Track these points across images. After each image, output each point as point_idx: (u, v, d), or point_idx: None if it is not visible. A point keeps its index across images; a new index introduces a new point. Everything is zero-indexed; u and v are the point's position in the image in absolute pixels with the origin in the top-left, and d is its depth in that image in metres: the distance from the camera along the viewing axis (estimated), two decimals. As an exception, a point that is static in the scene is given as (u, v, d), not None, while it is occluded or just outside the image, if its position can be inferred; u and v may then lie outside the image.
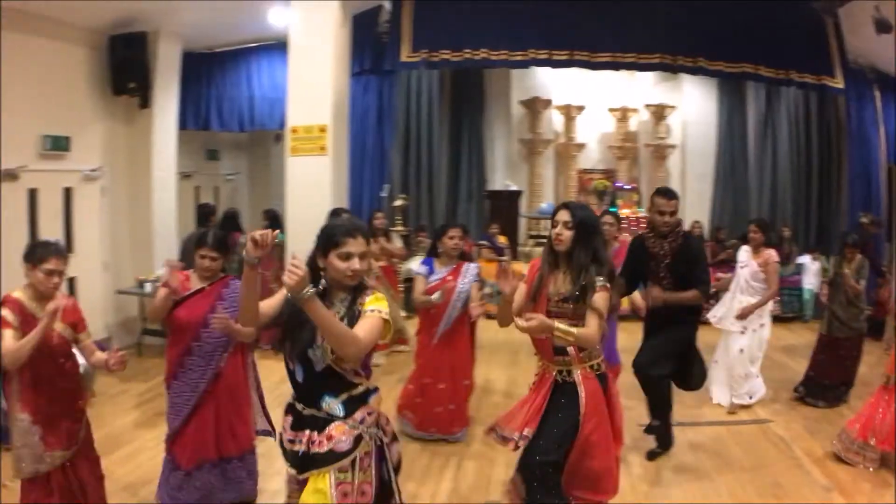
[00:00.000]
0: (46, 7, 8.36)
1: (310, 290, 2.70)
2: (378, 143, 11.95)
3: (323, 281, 3.08)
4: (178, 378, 4.56)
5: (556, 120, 14.39)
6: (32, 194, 8.63)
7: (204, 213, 8.97)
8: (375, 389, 3.23)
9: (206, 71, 11.45)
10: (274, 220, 9.65)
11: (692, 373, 6.00)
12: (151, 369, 8.56)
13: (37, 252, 4.12)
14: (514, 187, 13.93)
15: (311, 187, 8.54)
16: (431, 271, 6.50)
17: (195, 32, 10.32)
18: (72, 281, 9.07)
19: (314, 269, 3.07)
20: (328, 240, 3.04)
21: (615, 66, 9.59)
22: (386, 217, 8.72)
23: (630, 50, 9.12)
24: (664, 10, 8.82)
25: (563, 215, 4.01)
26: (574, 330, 3.77)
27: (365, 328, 2.91)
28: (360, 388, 3.14)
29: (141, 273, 9.63)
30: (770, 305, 7.52)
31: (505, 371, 8.96)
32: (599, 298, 3.89)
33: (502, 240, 12.41)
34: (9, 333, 3.96)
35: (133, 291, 9.60)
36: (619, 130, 14.25)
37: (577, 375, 4.03)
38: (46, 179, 8.80)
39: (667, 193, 5.69)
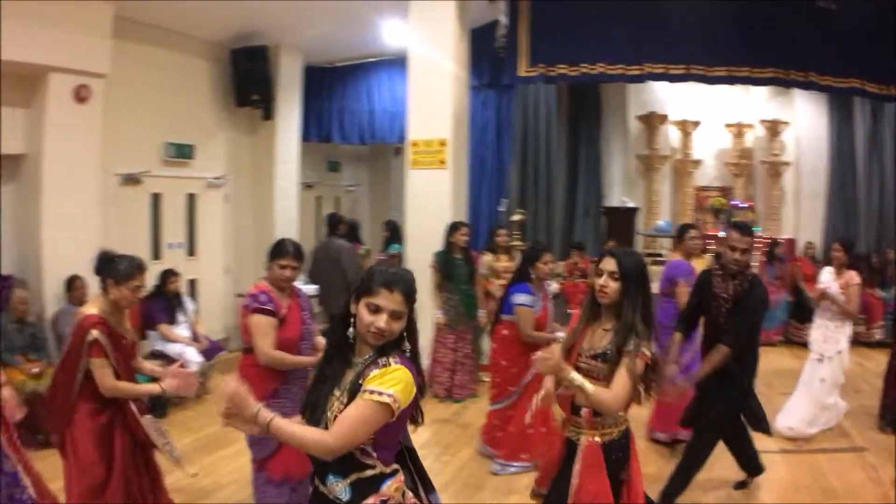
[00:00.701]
0: (173, 21, 8.64)
1: (261, 413, 2.34)
2: (497, 157, 11.65)
3: (352, 330, 2.55)
4: (279, 395, 4.23)
5: (672, 135, 13.77)
6: (156, 198, 8.89)
7: (333, 223, 8.92)
8: (393, 474, 2.58)
9: (328, 84, 11.47)
10: (394, 231, 9.55)
11: (758, 415, 5.25)
12: None
13: (123, 269, 4.00)
14: (630, 204, 13.36)
15: (431, 200, 8.32)
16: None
17: (316, 47, 10.37)
18: (193, 283, 9.30)
19: (346, 313, 2.57)
20: (363, 284, 2.52)
21: (730, 81, 9.01)
22: (508, 233, 8.31)
23: (744, 64, 8.58)
24: (776, 24, 8.27)
25: (609, 264, 3.42)
26: (589, 386, 3.21)
27: (346, 420, 2.38)
28: (372, 472, 2.51)
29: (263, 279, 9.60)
30: (848, 330, 6.72)
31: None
32: (635, 364, 3.27)
33: (619, 257, 11.84)
34: (104, 363, 3.93)
35: (254, 296, 9.58)
36: (735, 146, 13.47)
37: (582, 442, 3.45)
38: (170, 185, 9.04)
39: (742, 228, 4.83)
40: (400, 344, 2.57)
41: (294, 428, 2.40)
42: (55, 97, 7.10)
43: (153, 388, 4.08)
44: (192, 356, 7.46)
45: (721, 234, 5.61)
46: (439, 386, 7.73)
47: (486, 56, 9.95)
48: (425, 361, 7.91)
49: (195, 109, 9.42)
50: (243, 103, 9.85)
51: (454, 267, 7.51)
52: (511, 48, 9.00)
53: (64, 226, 7.07)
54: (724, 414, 4.96)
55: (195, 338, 7.84)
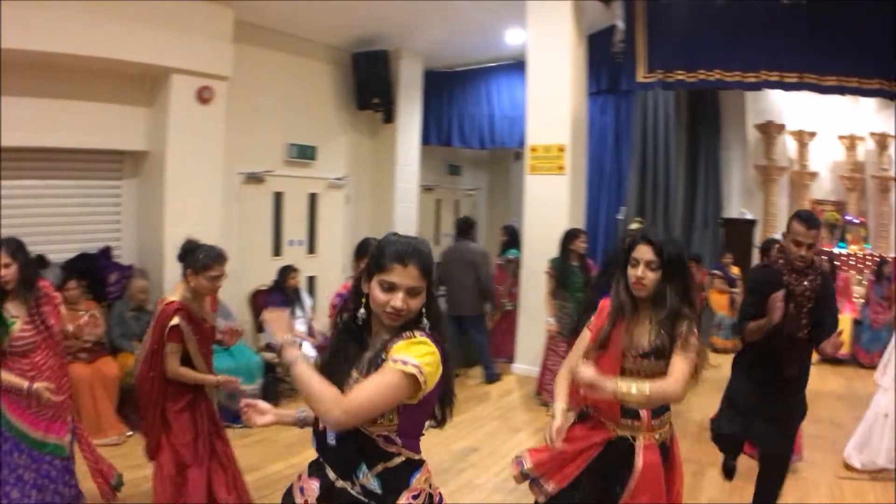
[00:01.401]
0: (294, 26, 8.59)
1: (290, 349, 2.08)
2: (616, 164, 11.11)
3: (363, 311, 2.23)
4: None
5: (789, 146, 12.78)
6: (278, 197, 8.89)
7: (464, 227, 8.63)
8: (420, 464, 2.27)
9: (448, 89, 11.21)
10: (512, 236, 9.17)
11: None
12: None
13: (201, 259, 4.02)
14: (749, 215, 12.40)
15: (549, 206, 7.96)
16: None
17: (435, 51, 10.13)
18: (312, 280, 9.23)
19: (357, 292, 2.27)
20: (374, 259, 2.18)
21: (841, 91, 8.23)
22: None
23: (853, 74, 7.84)
24: (883, 34, 7.50)
25: (645, 252, 2.92)
26: (647, 387, 2.70)
27: (367, 387, 2.03)
28: (398, 460, 2.19)
29: (381, 278, 9.43)
30: None
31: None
32: (690, 343, 2.85)
33: (735, 270, 11.02)
34: (174, 351, 4.02)
35: (369, 294, 9.36)
36: (848, 159, 12.28)
37: (640, 443, 3.01)
38: (292, 184, 9.00)
39: (808, 220, 4.08)
40: (419, 322, 2.19)
41: (315, 378, 2.03)
42: (178, 98, 7.16)
43: (209, 378, 4.19)
44: (308, 350, 7.24)
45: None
46: (548, 394, 7.27)
47: (604, 61, 9.48)
48: (535, 369, 7.75)
49: (317, 112, 9.35)
50: (364, 106, 9.69)
51: (570, 274, 7.04)
52: (629, 53, 8.55)
53: (186, 221, 7.01)
54: (795, 426, 4.39)
55: (311, 333, 7.70)
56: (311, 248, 9.38)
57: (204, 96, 7.30)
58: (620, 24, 8.51)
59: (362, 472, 2.14)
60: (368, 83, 9.50)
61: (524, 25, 8.32)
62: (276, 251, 8.87)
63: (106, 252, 7.12)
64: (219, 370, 5.94)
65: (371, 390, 2.00)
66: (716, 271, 10.94)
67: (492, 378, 8.27)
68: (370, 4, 8.04)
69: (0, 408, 3.76)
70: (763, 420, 4.16)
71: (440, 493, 2.33)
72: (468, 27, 9.18)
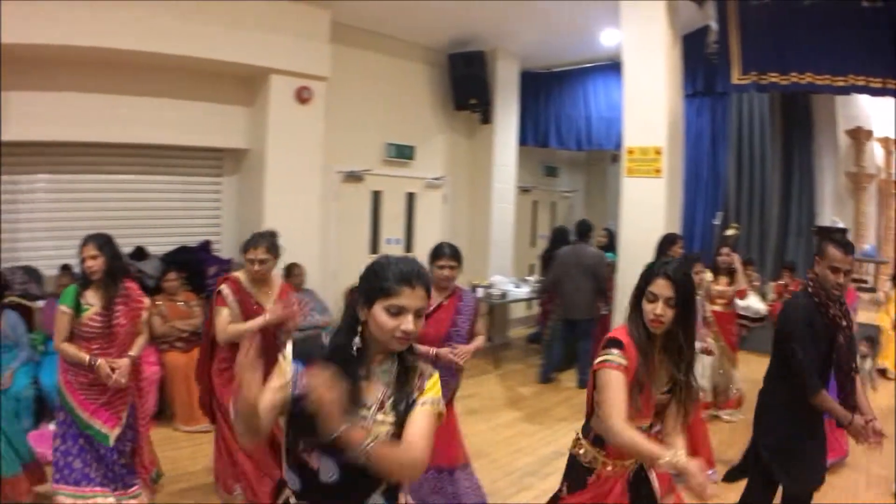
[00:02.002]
0: (390, 27, 8.45)
1: (359, 431, 1.88)
2: (712, 167, 10.46)
3: (357, 339, 2.04)
4: None
5: (877, 153, 11.85)
6: (376, 196, 8.75)
7: (583, 230, 8.28)
8: None
9: (545, 89, 10.80)
10: (611, 239, 8.75)
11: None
12: (471, 370, 7.93)
13: (248, 241, 4.28)
14: (840, 224, 11.38)
15: (645, 210, 7.48)
16: None
17: (531, 52, 9.77)
18: None
19: (352, 320, 2.07)
20: (375, 285, 2.01)
21: None
22: (728, 253, 7.22)
23: None
24: None
25: (665, 288, 2.66)
26: (684, 459, 2.46)
27: (422, 433, 2.00)
28: None
29: (474, 278, 9.17)
30: None
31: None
32: (693, 390, 2.77)
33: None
34: (225, 312, 4.17)
35: (466, 295, 9.07)
36: None
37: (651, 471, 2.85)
38: (390, 184, 8.84)
39: (845, 245, 3.55)
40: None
41: (391, 451, 1.93)
42: (277, 97, 7.15)
43: (256, 322, 4.13)
44: None
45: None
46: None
47: (700, 62, 8.95)
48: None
49: (415, 112, 9.17)
50: (461, 107, 9.43)
51: None
52: (723, 54, 8.04)
53: (284, 217, 6.96)
54: None
55: None
56: (409, 247, 9.17)
57: (303, 96, 7.27)
58: (714, 25, 8.01)
59: (373, 499, 2.07)
60: (465, 84, 9.24)
61: (618, 26, 7.92)
62: (374, 249, 8.72)
63: (205, 245, 7.20)
64: None
65: (427, 436, 2.00)
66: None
67: (585, 384, 7.79)
68: (465, 5, 7.80)
69: (60, 382, 4.04)
70: (809, 459, 3.68)
71: None
72: (563, 28, 8.77)
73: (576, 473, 2.89)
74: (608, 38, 8.82)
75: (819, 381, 3.48)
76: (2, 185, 6.24)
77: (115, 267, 4.04)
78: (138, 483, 4.21)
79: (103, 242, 4.00)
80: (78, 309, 3.95)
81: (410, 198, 9.17)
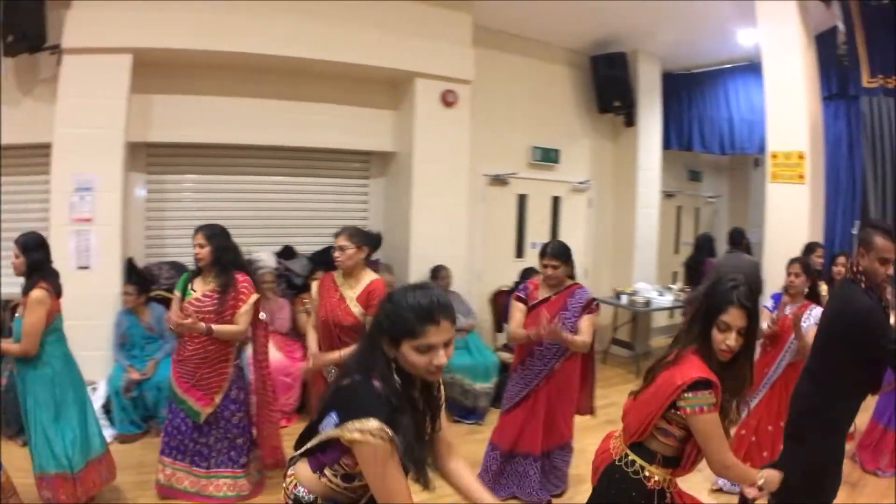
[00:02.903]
0: (531, 29, 8.02)
1: None
2: (850, 174, 9.46)
3: (397, 378, 1.91)
4: (516, 372, 4.40)
5: None
6: (522, 199, 8.31)
7: (736, 238, 7.65)
8: None
9: (686, 91, 10.04)
10: (747, 246, 7.99)
11: None
12: (613, 378, 7.65)
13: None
14: None
15: (789, 217, 6.84)
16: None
17: (670, 52, 9.07)
18: None
19: (384, 361, 1.91)
20: (399, 326, 1.88)
21: None
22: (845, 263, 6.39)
23: None
24: None
25: (739, 319, 2.40)
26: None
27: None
28: None
29: (618, 284, 8.64)
30: None
31: None
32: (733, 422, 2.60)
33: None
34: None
35: (609, 301, 8.44)
36: None
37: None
38: (536, 187, 8.36)
39: (891, 233, 3.11)
40: None
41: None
42: (423, 101, 6.90)
43: (330, 357, 4.09)
44: None
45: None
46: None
47: (832, 64, 8.07)
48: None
49: (559, 115, 8.64)
50: (605, 109, 8.83)
51: None
52: (851, 56, 7.27)
53: (431, 219, 6.81)
54: None
55: None
56: (553, 252, 8.59)
57: (448, 99, 6.97)
58: (840, 26, 7.23)
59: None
60: (608, 86, 8.65)
61: (755, 25, 7.21)
62: (519, 252, 8.28)
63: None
64: (455, 367, 6.07)
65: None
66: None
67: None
68: (605, 6, 7.33)
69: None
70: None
71: None
72: (701, 27, 8.12)
73: (641, 499, 2.51)
74: (745, 38, 8.11)
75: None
76: (148, 185, 6.50)
77: (223, 257, 4.11)
78: (234, 468, 4.29)
79: (212, 233, 4.12)
80: (185, 292, 4.16)
81: (555, 202, 8.64)
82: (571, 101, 8.76)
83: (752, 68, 8.62)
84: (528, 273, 7.24)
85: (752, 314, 2.41)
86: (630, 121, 8.99)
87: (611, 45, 8.55)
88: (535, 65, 8.30)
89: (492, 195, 7.86)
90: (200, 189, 6.71)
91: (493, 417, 5.01)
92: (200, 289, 4.13)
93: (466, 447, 4.43)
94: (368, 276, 4.11)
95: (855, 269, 3.19)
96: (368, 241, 4.18)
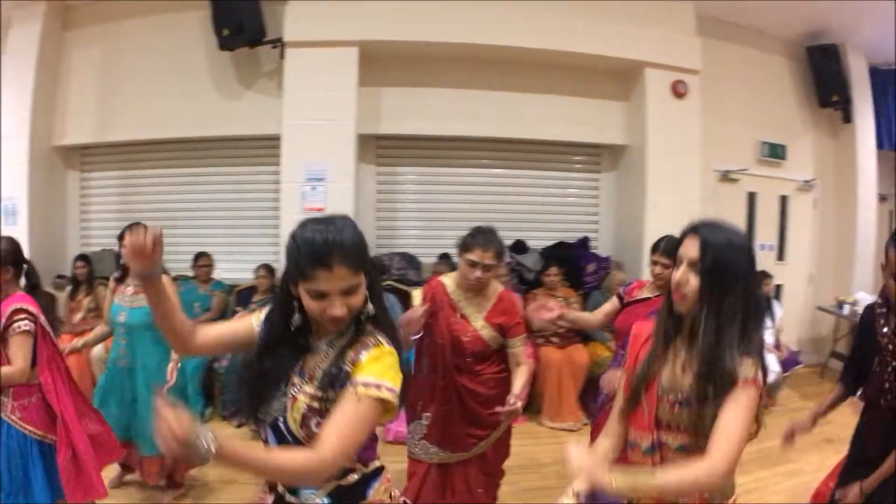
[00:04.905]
0: (750, 17, 6.97)
1: (205, 440, 1.23)
2: None
3: (297, 317, 1.55)
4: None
5: None
6: (751, 197, 7.15)
7: None
8: (377, 473, 1.71)
9: (893, 87, 8.57)
10: None
11: None
12: (830, 393, 6.30)
13: (473, 238, 2.91)
14: None
15: None
16: None
17: (875, 46, 7.64)
18: (778, 288, 7.37)
19: (286, 297, 1.55)
20: (291, 266, 1.49)
21: None
22: None
23: None
24: None
25: (691, 248, 1.61)
26: (671, 480, 1.49)
27: (343, 426, 1.41)
28: (353, 477, 1.63)
29: (840, 293, 7.30)
30: None
31: None
32: (741, 403, 1.53)
33: None
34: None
35: (830, 310, 7.23)
36: None
37: None
38: (764, 185, 7.19)
39: None
40: (363, 310, 1.56)
41: (259, 453, 1.39)
42: (654, 92, 6.08)
43: None
44: (772, 364, 5.70)
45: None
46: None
47: None
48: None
49: (782, 108, 7.45)
50: (824, 104, 7.49)
51: None
52: None
53: (665, 217, 5.83)
54: None
55: (777, 345, 6.11)
56: (781, 255, 7.45)
57: (678, 90, 6.09)
58: None
59: (306, 494, 1.60)
60: (826, 79, 7.35)
61: None
62: (749, 255, 7.04)
63: (584, 242, 6.43)
64: None
65: (349, 429, 1.42)
66: None
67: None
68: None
69: None
70: None
71: (404, 500, 1.81)
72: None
73: None
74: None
75: (846, 378, 2.90)
76: (378, 177, 6.26)
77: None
78: None
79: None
80: None
81: (783, 201, 7.43)
82: (793, 94, 7.53)
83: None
84: (760, 276, 6.23)
85: (708, 241, 1.61)
86: (847, 117, 7.61)
87: (821, 36, 7.34)
88: (754, 55, 7.18)
89: (723, 192, 6.82)
90: (428, 181, 6.36)
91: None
92: None
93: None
94: (495, 290, 3.09)
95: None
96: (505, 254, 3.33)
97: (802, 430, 2.75)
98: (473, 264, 2.85)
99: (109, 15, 6.20)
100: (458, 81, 5.93)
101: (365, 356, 1.49)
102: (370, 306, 1.56)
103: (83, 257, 5.74)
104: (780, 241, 7.41)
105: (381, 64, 5.66)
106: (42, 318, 2.80)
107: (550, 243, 6.16)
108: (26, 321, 2.71)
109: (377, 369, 1.47)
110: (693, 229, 1.64)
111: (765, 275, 6.24)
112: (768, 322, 6.16)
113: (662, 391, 1.68)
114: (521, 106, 6.02)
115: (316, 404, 1.49)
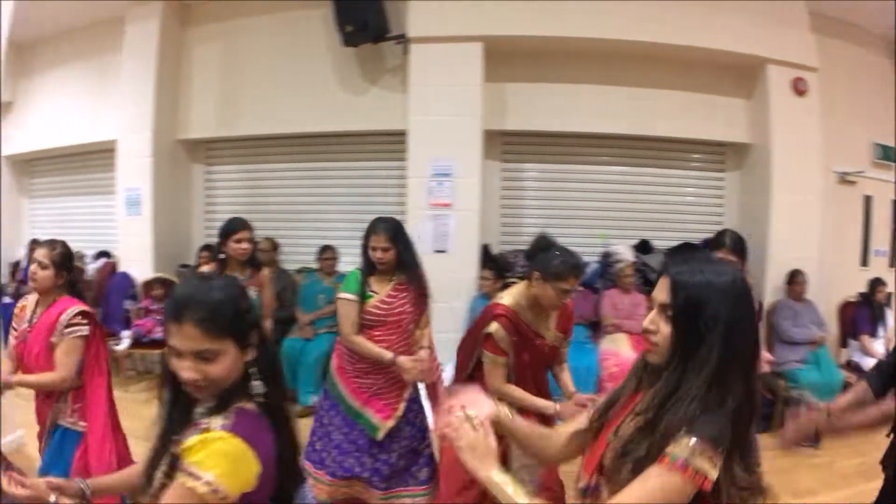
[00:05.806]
0: (864, 17, 6.51)
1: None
2: None
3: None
4: None
5: None
6: (867, 201, 6.68)
7: None
8: None
9: None
10: None
11: None
12: None
13: (555, 266, 2.64)
14: None
15: None
16: None
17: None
18: (889, 296, 6.76)
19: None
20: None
21: None
22: None
23: None
24: None
25: (661, 290, 1.33)
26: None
27: None
28: None
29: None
30: None
31: None
32: (648, 487, 1.19)
33: None
34: (496, 363, 2.73)
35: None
36: None
37: None
38: (879, 188, 6.73)
39: None
40: (245, 388, 1.33)
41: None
42: (776, 89, 5.69)
43: (548, 405, 2.70)
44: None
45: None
46: None
47: None
48: None
49: (889, 108, 6.82)
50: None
51: None
52: None
53: (789, 219, 5.58)
54: None
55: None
56: (893, 261, 6.93)
57: (799, 88, 5.72)
58: None
59: None
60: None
61: None
62: (864, 261, 6.67)
63: (708, 243, 5.79)
64: (805, 383, 4.88)
65: None
66: None
67: None
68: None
69: (333, 367, 3.32)
70: None
71: None
72: None
73: None
74: None
75: (874, 379, 2.40)
76: (503, 173, 6.03)
77: (406, 257, 3.21)
78: (417, 486, 3.32)
79: (395, 233, 3.18)
80: (364, 296, 3.18)
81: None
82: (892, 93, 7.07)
83: None
84: (875, 284, 5.88)
85: (679, 283, 1.33)
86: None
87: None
88: (860, 53, 6.72)
89: (840, 194, 6.39)
90: (553, 178, 6.10)
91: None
92: (381, 292, 3.20)
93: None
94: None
95: None
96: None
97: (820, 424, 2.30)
98: (566, 292, 2.65)
99: (229, 14, 6.17)
100: (582, 77, 5.72)
101: (192, 439, 1.23)
102: (257, 384, 1.33)
103: (208, 247, 5.68)
104: (894, 248, 6.94)
105: (506, 59, 5.49)
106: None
107: (675, 243, 5.84)
108: (87, 327, 2.68)
109: (199, 456, 1.20)
110: (664, 269, 1.38)
111: (880, 282, 5.90)
112: (880, 331, 5.79)
113: (611, 437, 1.41)
114: (646, 102, 5.74)
115: (162, 486, 1.29)
